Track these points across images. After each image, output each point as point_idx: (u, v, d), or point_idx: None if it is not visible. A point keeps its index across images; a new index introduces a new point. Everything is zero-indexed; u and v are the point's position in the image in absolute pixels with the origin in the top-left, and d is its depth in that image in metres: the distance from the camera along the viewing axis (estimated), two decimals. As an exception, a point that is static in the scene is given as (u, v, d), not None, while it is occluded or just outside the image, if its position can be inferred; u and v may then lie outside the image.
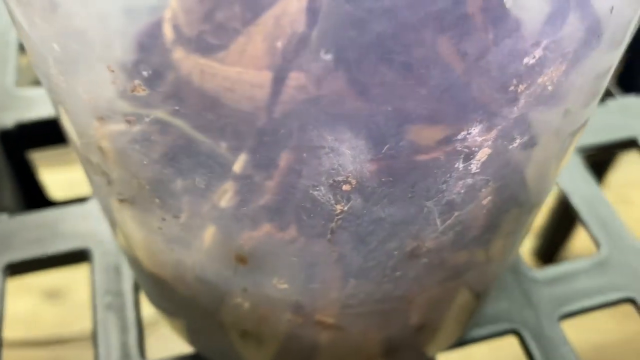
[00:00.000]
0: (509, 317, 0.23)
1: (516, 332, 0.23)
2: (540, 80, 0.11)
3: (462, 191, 0.12)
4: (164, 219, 0.14)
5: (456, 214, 0.13)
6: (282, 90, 0.12)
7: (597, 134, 0.29)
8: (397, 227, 0.13)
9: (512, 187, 0.13)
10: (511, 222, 0.15)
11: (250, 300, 0.16)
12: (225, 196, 0.14)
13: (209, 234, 0.14)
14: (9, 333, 0.23)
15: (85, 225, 0.25)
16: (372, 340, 0.18)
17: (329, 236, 0.13)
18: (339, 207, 0.12)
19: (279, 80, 0.12)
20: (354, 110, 0.11)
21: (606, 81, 0.13)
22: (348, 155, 0.11)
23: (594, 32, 0.11)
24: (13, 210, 0.29)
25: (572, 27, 0.10)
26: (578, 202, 0.26)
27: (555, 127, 0.13)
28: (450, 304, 0.18)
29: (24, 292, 0.51)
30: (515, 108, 0.11)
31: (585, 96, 0.13)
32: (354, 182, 0.11)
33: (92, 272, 0.24)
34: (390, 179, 0.12)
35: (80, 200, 0.26)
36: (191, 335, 0.21)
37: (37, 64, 0.13)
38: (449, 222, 0.13)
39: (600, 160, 0.41)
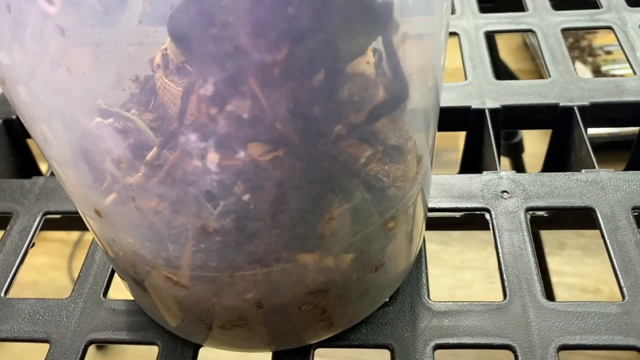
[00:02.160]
0: (390, 332, 0.26)
1: (389, 348, 0.26)
2: (229, 107, 0.15)
3: (215, 184, 0.17)
4: (59, 176, 0.21)
5: (222, 202, 0.18)
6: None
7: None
8: (177, 204, 0.18)
9: (268, 191, 0.18)
10: (296, 226, 0.19)
11: (120, 249, 0.22)
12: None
13: (79, 191, 0.21)
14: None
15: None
16: (220, 307, 0.23)
17: (133, 202, 0.19)
18: (128, 179, 0.18)
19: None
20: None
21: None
22: (112, 141, 0.17)
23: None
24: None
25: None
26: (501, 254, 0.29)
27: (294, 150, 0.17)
28: (280, 291, 0.22)
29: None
30: (219, 126, 0.16)
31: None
32: (125, 162, 0.17)
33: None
34: (156, 163, 0.17)
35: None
36: (130, 290, 0.27)
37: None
38: (219, 209, 0.18)
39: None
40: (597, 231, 0.30)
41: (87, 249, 0.31)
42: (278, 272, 0.21)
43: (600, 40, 1.02)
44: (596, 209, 0.30)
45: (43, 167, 0.42)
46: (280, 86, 0.16)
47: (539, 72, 1.09)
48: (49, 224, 0.33)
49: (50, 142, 0.19)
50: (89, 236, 0.98)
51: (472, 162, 0.38)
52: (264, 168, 0.17)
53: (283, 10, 0.14)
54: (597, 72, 0.99)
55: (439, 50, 0.21)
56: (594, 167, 0.32)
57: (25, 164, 0.41)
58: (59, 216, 0.34)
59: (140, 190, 0.18)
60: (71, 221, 0.35)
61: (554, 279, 0.88)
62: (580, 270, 0.91)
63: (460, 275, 0.91)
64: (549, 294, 0.72)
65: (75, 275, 0.91)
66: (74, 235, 1.01)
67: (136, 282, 0.24)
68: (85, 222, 0.23)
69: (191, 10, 0.15)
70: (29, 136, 0.40)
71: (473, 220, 0.37)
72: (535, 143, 0.87)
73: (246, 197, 0.18)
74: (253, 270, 0.21)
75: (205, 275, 0.21)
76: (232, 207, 0.18)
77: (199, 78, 0.15)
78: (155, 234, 0.20)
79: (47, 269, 0.97)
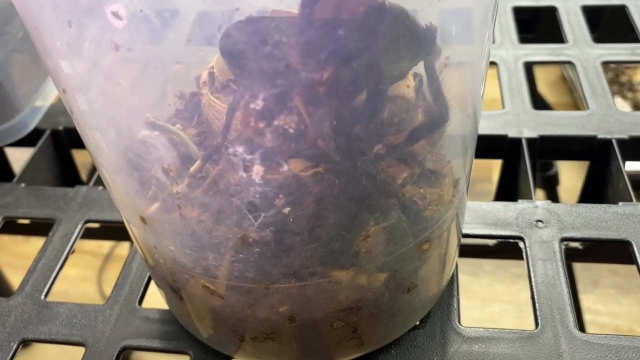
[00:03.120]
0: (419, 355, 0.26)
1: (418, 370, 0.26)
2: (276, 122, 0.16)
3: (257, 196, 0.18)
4: (107, 182, 0.22)
5: (263, 214, 0.19)
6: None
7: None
8: (220, 214, 0.19)
9: (307, 205, 0.19)
10: (332, 241, 0.20)
11: (161, 257, 0.22)
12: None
13: (128, 199, 0.22)
14: (70, 266, 0.32)
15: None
16: (253, 319, 0.23)
17: (178, 210, 0.19)
18: (175, 188, 0.19)
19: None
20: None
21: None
22: (163, 150, 0.17)
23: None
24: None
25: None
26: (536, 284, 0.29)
27: (337, 167, 0.18)
28: (314, 307, 0.22)
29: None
30: (265, 139, 0.16)
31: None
32: (174, 171, 0.18)
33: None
34: (199, 176, 0.18)
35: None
36: (165, 299, 0.28)
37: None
38: (260, 220, 0.19)
39: None
40: (633, 268, 0.29)
41: (117, 262, 0.32)
42: (312, 287, 0.21)
43: (641, 76, 1.01)
44: (632, 242, 0.30)
45: (85, 178, 0.44)
46: (325, 104, 0.16)
47: (577, 105, 1.08)
48: (86, 233, 0.34)
49: (102, 149, 0.20)
50: (120, 250, 1.00)
51: (507, 191, 0.38)
52: (304, 183, 0.18)
53: (333, 31, 0.14)
54: (636, 107, 0.97)
55: (479, 79, 0.21)
56: (632, 200, 0.32)
57: (68, 174, 0.42)
58: (97, 225, 0.35)
59: (185, 199, 0.19)
60: (109, 231, 0.36)
61: (587, 317, 0.86)
62: (614, 309, 0.89)
63: (489, 308, 0.90)
64: (581, 329, 0.71)
65: (105, 288, 0.92)
66: (105, 248, 1.03)
67: (173, 290, 0.24)
68: (129, 229, 0.24)
69: (246, 30, 0.16)
70: (73, 147, 0.42)
71: (505, 249, 0.37)
72: (571, 177, 0.86)
73: (286, 210, 0.19)
74: (288, 284, 0.21)
75: (241, 286, 0.22)
76: (272, 220, 0.19)
77: (248, 93, 0.16)
78: (197, 242, 0.20)
79: (78, 280, 0.98)
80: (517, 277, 0.93)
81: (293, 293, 0.22)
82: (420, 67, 0.21)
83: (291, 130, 0.16)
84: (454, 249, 0.27)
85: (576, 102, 1.11)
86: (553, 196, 0.68)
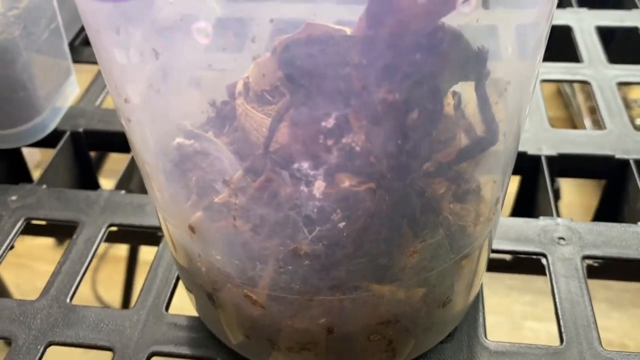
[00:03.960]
0: (447, 369, 0.27)
1: (447, 383, 0.26)
2: (344, 140, 0.16)
3: (315, 210, 0.18)
4: (156, 191, 0.22)
5: (318, 228, 0.19)
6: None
7: (609, 248, 0.31)
8: (275, 226, 0.19)
9: (362, 221, 0.19)
10: (381, 256, 0.20)
11: (204, 265, 0.23)
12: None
13: (178, 208, 0.22)
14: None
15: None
16: (292, 329, 0.23)
17: (233, 221, 0.20)
18: (232, 199, 0.19)
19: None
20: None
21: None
22: (226, 162, 0.18)
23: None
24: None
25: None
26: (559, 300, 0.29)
27: (393, 184, 0.18)
28: (353, 320, 0.23)
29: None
30: (332, 156, 0.17)
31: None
32: (234, 182, 0.18)
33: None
34: (259, 186, 0.18)
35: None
36: (196, 305, 0.28)
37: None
38: (314, 233, 0.19)
39: None
40: (625, 284, 0.30)
41: (111, 263, 0.32)
42: (354, 300, 0.22)
43: (637, 94, 1.03)
44: (653, 262, 0.30)
45: (102, 182, 0.44)
46: (391, 123, 0.17)
47: (572, 120, 1.10)
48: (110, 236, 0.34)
49: (156, 158, 0.21)
50: (114, 251, 0.99)
51: (524, 207, 0.38)
52: (362, 198, 0.18)
53: (411, 55, 0.15)
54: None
55: (526, 99, 0.22)
56: (650, 221, 0.32)
57: (86, 177, 0.42)
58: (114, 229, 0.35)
59: (242, 210, 0.19)
60: (132, 235, 0.36)
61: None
62: (606, 324, 0.90)
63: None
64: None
65: (99, 289, 0.91)
66: (101, 249, 1.02)
67: (210, 298, 0.24)
68: (167, 236, 0.24)
69: (317, 48, 0.16)
70: (92, 149, 0.42)
71: (521, 264, 0.37)
72: (569, 193, 0.87)
73: (342, 224, 0.19)
74: (331, 296, 0.22)
75: (284, 297, 0.22)
76: (326, 233, 0.19)
77: (318, 111, 0.16)
78: (247, 253, 0.20)
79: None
80: (510, 289, 0.94)
81: (335, 305, 0.22)
82: (458, 86, 0.21)
83: (357, 149, 0.17)
84: (484, 264, 0.27)
85: (572, 116, 1.12)
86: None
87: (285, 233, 0.19)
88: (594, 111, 1.02)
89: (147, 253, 0.91)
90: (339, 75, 0.15)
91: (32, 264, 1.00)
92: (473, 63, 0.19)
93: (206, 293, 0.24)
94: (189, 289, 0.27)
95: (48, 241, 1.06)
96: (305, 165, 0.17)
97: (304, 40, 0.18)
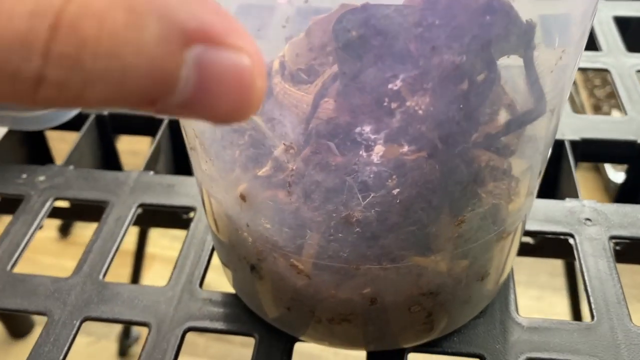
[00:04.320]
0: (481, 343, 0.27)
1: (481, 357, 0.27)
2: (408, 103, 0.17)
3: (371, 176, 0.19)
4: (207, 162, 0.23)
5: (372, 194, 0.19)
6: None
7: (636, 228, 0.31)
8: (330, 193, 0.19)
9: (417, 187, 0.19)
10: (431, 224, 0.21)
11: (251, 235, 0.23)
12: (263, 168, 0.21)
13: (229, 176, 0.22)
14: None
15: (194, 190, 0.35)
16: (335, 299, 0.24)
17: (288, 188, 0.20)
18: (290, 165, 0.19)
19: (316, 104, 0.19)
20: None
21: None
22: (289, 127, 0.18)
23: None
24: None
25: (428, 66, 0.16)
26: (588, 277, 0.29)
27: (450, 152, 0.19)
28: (396, 289, 0.23)
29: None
30: (394, 120, 0.17)
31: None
32: (295, 148, 0.18)
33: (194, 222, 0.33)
34: (317, 151, 0.18)
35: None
36: (233, 280, 0.28)
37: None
38: (368, 200, 0.19)
39: None
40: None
41: (117, 257, 0.32)
42: (399, 269, 0.22)
43: None
44: (680, 242, 0.31)
45: (125, 164, 0.44)
46: (454, 86, 0.17)
47: (577, 110, 1.10)
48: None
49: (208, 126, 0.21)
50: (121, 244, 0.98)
51: (548, 189, 0.39)
52: (418, 165, 0.19)
53: (482, 17, 0.15)
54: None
55: (568, 80, 0.22)
56: (675, 203, 0.33)
57: (110, 160, 0.42)
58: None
59: (298, 176, 0.19)
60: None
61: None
62: (635, 307, 0.90)
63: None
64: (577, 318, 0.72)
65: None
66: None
67: (253, 269, 0.25)
68: (210, 212, 0.25)
69: (399, 11, 0.16)
70: (117, 132, 0.42)
71: (543, 247, 0.38)
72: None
73: (395, 191, 0.19)
74: (378, 265, 0.22)
75: (331, 266, 0.22)
76: (380, 200, 0.19)
77: (386, 73, 0.16)
78: (297, 220, 0.21)
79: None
80: (516, 285, 0.94)
81: (381, 275, 0.22)
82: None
83: (420, 112, 0.17)
84: (518, 242, 0.28)
85: (576, 106, 1.13)
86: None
87: (339, 199, 0.20)
88: (598, 108, 1.02)
89: (153, 247, 0.91)
90: (411, 35, 0.15)
91: (36, 257, 1.00)
92: (522, 35, 0.20)
93: (250, 265, 0.25)
94: (226, 264, 0.28)
95: (52, 234, 1.06)
96: (367, 129, 0.17)
97: (360, 9, 0.18)
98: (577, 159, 0.37)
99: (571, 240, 0.32)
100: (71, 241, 1.08)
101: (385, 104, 0.17)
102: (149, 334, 0.28)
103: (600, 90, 1.03)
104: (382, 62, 0.16)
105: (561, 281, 0.83)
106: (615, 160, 0.37)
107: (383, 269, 0.22)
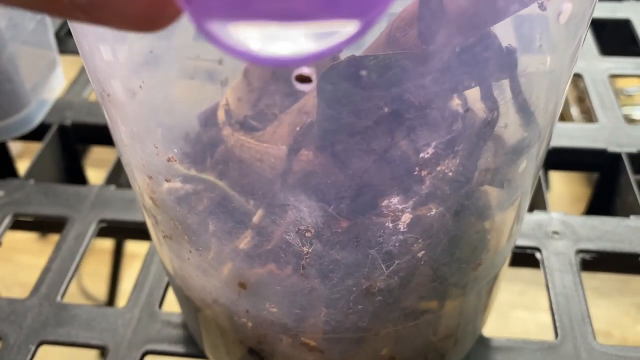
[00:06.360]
0: (444, 365, 0.27)
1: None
2: (439, 168, 0.16)
3: (397, 244, 0.17)
4: (190, 252, 0.20)
5: (397, 261, 0.18)
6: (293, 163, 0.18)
7: (603, 242, 0.31)
8: (351, 268, 0.18)
9: (442, 245, 0.18)
10: (452, 275, 0.20)
11: (252, 320, 0.21)
12: (244, 240, 0.19)
13: (225, 267, 0.20)
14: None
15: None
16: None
17: (301, 271, 0.18)
18: (305, 248, 0.18)
19: (292, 154, 0.18)
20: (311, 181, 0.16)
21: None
22: (306, 211, 0.17)
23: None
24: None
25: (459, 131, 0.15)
26: (554, 295, 0.29)
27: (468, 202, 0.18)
28: (415, 343, 0.22)
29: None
30: (424, 186, 0.16)
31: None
32: (312, 231, 0.17)
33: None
34: (339, 230, 0.17)
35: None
36: (213, 351, 0.27)
37: (113, 132, 0.20)
38: (392, 268, 0.18)
39: None
40: (611, 275, 0.30)
41: (96, 255, 0.31)
42: (420, 324, 0.21)
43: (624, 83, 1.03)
44: (646, 255, 0.30)
45: (90, 176, 0.43)
46: (479, 142, 0.16)
47: (562, 115, 1.10)
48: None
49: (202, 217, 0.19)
50: (99, 243, 0.97)
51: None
52: (444, 224, 0.17)
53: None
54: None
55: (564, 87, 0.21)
56: (643, 214, 0.33)
57: (73, 170, 0.41)
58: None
59: (315, 258, 0.18)
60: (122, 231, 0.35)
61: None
62: (593, 313, 0.91)
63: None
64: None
65: (84, 282, 0.90)
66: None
67: (252, 353, 0.23)
68: (192, 316, 0.22)
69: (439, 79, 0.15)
70: (80, 142, 0.41)
71: (513, 260, 0.37)
72: (558, 183, 0.88)
73: (421, 253, 0.18)
74: (399, 326, 0.21)
75: (349, 337, 0.21)
76: (404, 265, 0.18)
77: (419, 142, 0.15)
78: (312, 300, 0.19)
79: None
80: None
81: (400, 334, 0.21)
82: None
83: (450, 174, 0.16)
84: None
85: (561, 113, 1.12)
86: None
87: (360, 273, 0.18)
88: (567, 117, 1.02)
89: (132, 245, 0.90)
90: (445, 102, 0.14)
91: (16, 256, 0.99)
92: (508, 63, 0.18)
93: (248, 348, 0.23)
94: (209, 349, 0.26)
95: (32, 233, 1.05)
96: (394, 200, 0.16)
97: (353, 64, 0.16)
98: (547, 168, 0.37)
99: (538, 255, 0.31)
100: (51, 240, 1.07)
101: (416, 172, 0.16)
102: (106, 358, 0.27)
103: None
104: (414, 134, 0.15)
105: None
106: (585, 168, 0.37)
107: (404, 328, 0.21)
